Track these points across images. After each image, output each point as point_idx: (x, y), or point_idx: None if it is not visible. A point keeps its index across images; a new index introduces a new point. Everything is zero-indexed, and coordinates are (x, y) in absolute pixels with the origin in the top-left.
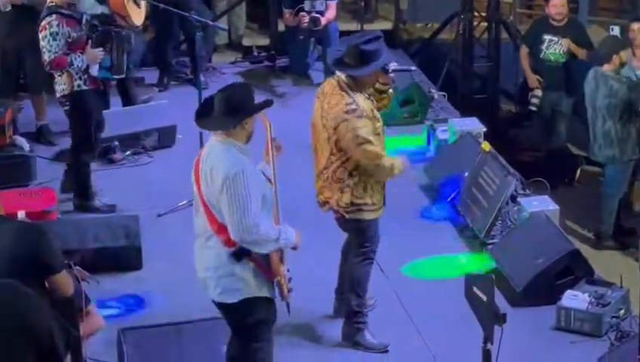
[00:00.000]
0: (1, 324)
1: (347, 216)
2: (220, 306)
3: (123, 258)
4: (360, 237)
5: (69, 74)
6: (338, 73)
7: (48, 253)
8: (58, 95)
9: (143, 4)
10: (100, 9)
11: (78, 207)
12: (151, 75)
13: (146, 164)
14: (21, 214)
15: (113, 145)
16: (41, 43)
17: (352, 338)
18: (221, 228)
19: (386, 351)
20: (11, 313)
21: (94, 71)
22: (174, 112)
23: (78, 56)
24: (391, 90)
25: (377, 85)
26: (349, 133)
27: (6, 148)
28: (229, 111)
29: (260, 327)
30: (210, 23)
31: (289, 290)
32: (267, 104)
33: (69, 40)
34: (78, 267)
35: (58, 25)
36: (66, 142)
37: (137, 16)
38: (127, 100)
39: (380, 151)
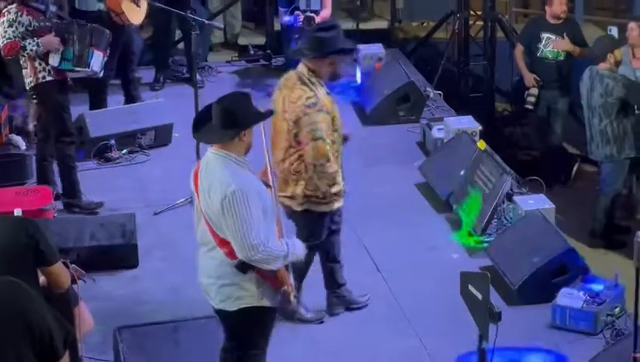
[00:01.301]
0: (0, 321)
1: (299, 208)
2: (220, 313)
3: (119, 256)
4: (307, 230)
5: (33, 66)
6: (299, 66)
7: (43, 243)
8: (27, 88)
9: (143, 3)
10: (97, 5)
11: (66, 205)
12: (148, 74)
13: (142, 163)
14: (17, 212)
15: (109, 144)
16: None
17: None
18: (222, 242)
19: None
20: (11, 310)
21: (54, 61)
22: (171, 111)
23: (33, 40)
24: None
25: None
26: (307, 127)
27: (2, 146)
28: (227, 124)
29: (259, 336)
30: (207, 21)
31: (295, 297)
32: (267, 115)
33: (30, 29)
34: (74, 265)
35: (17, 13)
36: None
37: (135, 15)
38: (131, 100)
39: (328, 154)
